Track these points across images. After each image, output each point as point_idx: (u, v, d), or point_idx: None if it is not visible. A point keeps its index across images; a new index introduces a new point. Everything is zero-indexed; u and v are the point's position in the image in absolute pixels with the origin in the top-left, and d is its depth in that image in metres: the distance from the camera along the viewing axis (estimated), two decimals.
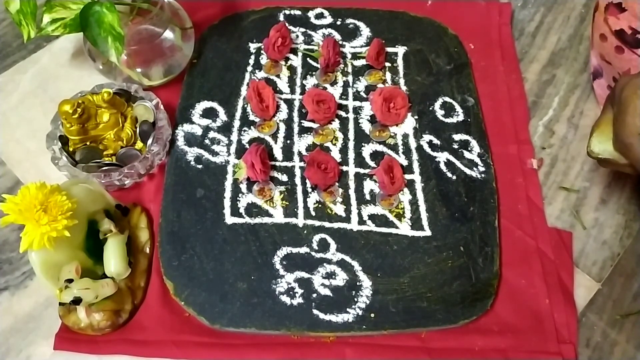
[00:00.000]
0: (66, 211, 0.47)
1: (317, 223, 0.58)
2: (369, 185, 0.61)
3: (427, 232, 0.58)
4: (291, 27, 0.72)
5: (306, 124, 0.64)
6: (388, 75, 0.69)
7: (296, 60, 0.70)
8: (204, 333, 0.53)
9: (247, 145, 0.63)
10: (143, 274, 0.55)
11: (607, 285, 0.57)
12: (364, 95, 0.67)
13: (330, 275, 0.55)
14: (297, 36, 0.72)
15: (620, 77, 0.52)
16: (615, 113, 0.51)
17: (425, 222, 0.58)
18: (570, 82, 0.70)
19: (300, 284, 0.54)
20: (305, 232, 0.57)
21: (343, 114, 0.65)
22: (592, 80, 0.68)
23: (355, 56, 0.70)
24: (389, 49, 0.70)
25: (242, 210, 0.58)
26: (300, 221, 0.58)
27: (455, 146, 0.63)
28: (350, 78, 0.68)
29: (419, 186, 0.61)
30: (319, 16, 0.74)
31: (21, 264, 0.57)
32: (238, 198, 0.59)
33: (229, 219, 0.58)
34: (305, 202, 0.59)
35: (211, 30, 0.72)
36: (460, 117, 0.65)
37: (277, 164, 0.61)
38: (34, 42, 0.71)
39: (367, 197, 0.60)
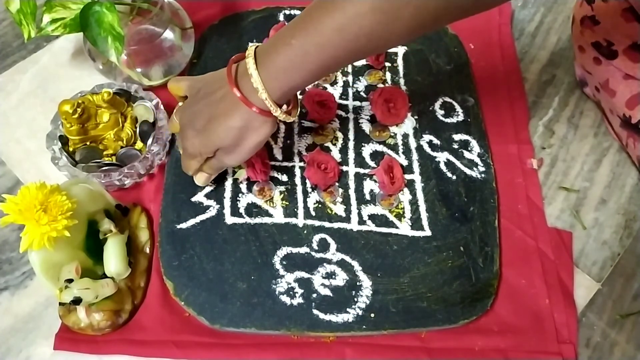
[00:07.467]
0: (66, 211, 0.47)
1: (317, 223, 0.58)
2: (369, 185, 0.61)
3: (427, 232, 0.58)
4: None
5: (306, 124, 0.64)
6: (388, 75, 0.69)
7: None
8: (204, 333, 0.53)
9: None
10: (143, 274, 0.55)
11: (607, 285, 0.57)
12: (364, 95, 0.67)
13: (330, 275, 0.55)
14: None
15: None
16: None
17: (425, 222, 0.58)
18: (570, 82, 0.70)
19: (300, 284, 0.54)
20: (305, 232, 0.57)
21: (343, 114, 0.65)
22: (582, 88, 0.69)
23: None
24: (389, 49, 0.70)
25: (242, 210, 0.58)
26: (300, 221, 0.58)
27: (455, 146, 0.63)
28: (350, 78, 0.68)
29: (419, 186, 0.61)
30: None
31: (21, 264, 0.57)
32: (238, 198, 0.59)
33: (229, 219, 0.58)
34: (305, 202, 0.59)
35: (211, 30, 0.72)
36: (460, 117, 0.65)
37: (277, 164, 0.61)
38: (34, 42, 0.71)
39: (367, 197, 0.60)
